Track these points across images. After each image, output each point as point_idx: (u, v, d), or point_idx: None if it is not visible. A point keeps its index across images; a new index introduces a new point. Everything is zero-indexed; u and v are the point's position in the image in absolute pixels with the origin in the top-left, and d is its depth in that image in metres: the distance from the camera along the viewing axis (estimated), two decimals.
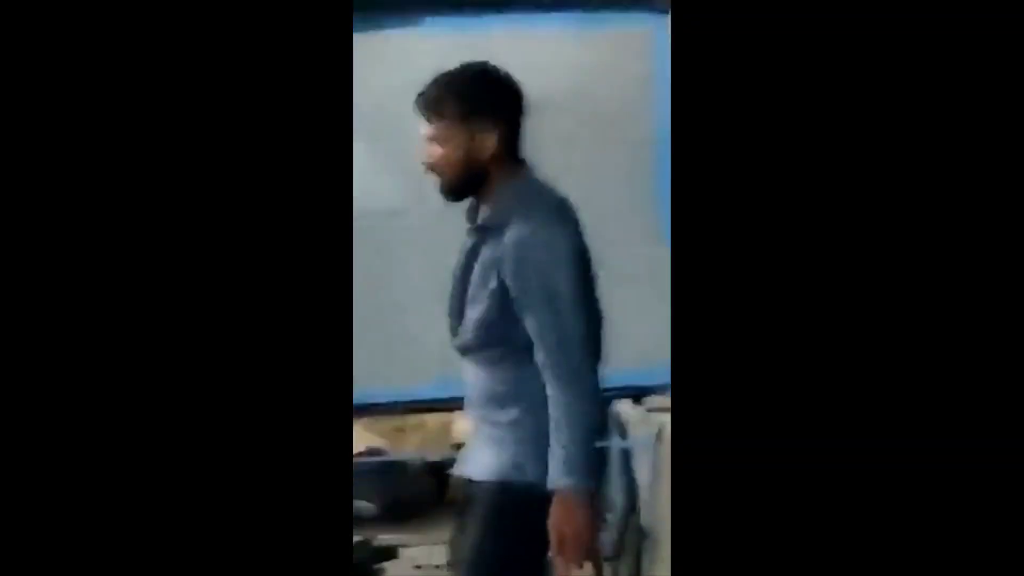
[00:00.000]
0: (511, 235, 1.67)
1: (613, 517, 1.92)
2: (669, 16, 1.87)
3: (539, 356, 1.67)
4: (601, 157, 2.76)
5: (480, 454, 1.78)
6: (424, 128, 1.72)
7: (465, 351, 1.79)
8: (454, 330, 1.80)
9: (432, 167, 1.73)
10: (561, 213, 1.75)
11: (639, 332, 2.39)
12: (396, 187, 2.66)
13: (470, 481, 1.80)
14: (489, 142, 1.69)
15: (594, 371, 1.71)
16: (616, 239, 2.37)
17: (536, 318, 1.66)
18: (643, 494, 2.07)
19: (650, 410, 2.44)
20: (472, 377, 1.80)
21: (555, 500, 1.63)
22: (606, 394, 1.85)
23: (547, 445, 1.66)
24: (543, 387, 1.67)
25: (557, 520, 1.64)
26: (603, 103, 2.76)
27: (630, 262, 2.58)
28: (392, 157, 2.59)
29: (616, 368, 2.04)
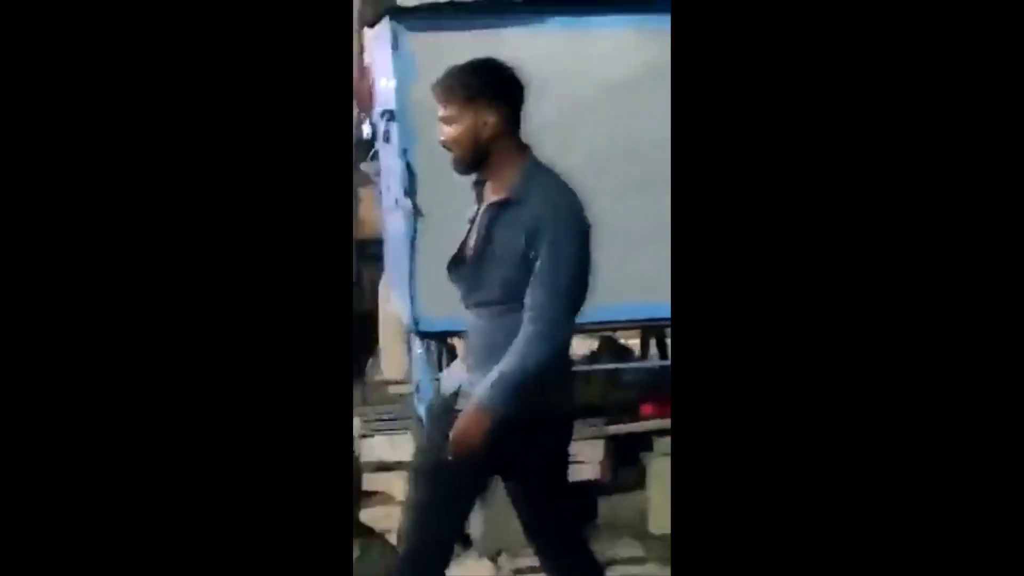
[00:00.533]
0: (537, 210, 1.92)
1: None
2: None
3: (529, 301, 1.90)
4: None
5: (457, 378, 2.10)
6: (439, 111, 1.97)
7: (481, 305, 2.02)
8: (465, 288, 2.03)
9: (445, 144, 1.96)
10: (569, 192, 1.99)
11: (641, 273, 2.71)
12: None
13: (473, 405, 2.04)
14: (491, 123, 1.92)
15: (571, 323, 1.97)
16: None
17: (548, 274, 1.89)
18: None
19: None
20: (475, 329, 2.05)
21: (466, 406, 1.92)
22: (611, 325, 2.18)
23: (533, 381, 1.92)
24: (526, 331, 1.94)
25: (458, 420, 1.90)
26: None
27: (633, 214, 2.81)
28: None
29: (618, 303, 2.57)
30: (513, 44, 2.70)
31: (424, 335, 3.07)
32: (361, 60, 3.92)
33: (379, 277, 4.11)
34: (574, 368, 2.66)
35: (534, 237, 1.92)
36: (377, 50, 3.43)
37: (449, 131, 1.95)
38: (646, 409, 3.19)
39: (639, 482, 3.15)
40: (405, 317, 3.21)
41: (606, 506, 3.17)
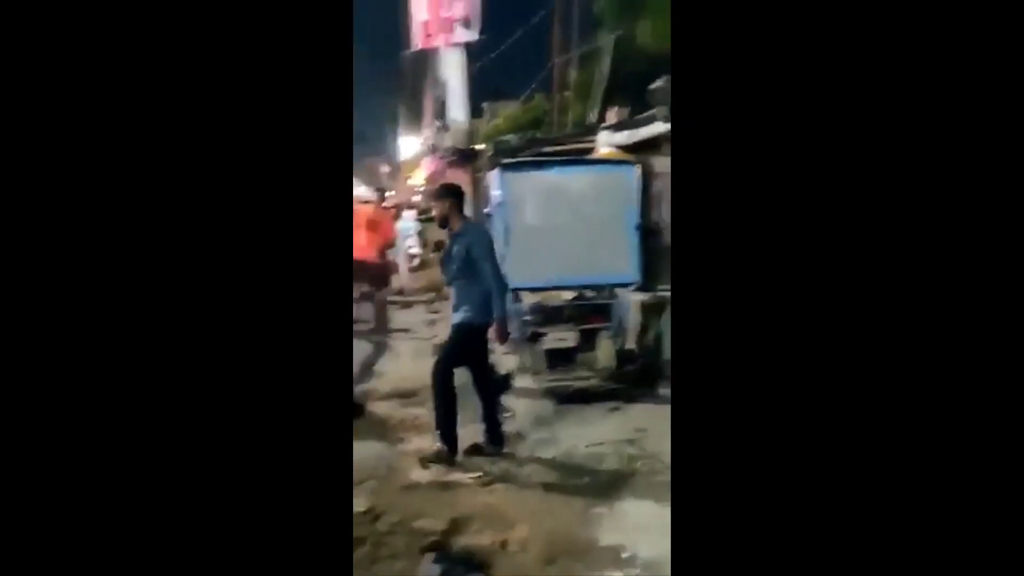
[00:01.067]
0: (470, 237, 4.51)
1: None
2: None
3: (481, 276, 4.42)
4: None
5: (455, 315, 4.65)
6: (432, 204, 5.32)
7: (450, 282, 4.70)
8: (447, 274, 4.68)
9: (435, 217, 4.82)
10: (482, 229, 4.99)
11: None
12: None
13: (453, 324, 4.69)
14: (448, 206, 4.63)
15: (504, 284, 4.58)
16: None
17: (483, 264, 4.42)
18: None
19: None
20: (455, 291, 4.67)
21: (495, 321, 4.52)
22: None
23: (483, 311, 4.46)
24: (480, 291, 4.44)
25: (495, 328, 4.55)
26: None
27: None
28: None
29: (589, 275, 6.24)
30: (549, 179, 6.41)
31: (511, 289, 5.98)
32: (482, 181, 7.66)
33: None
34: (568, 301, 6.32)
35: (470, 250, 4.45)
36: (493, 179, 6.92)
37: (435, 210, 4.79)
38: (594, 320, 6.53)
39: (592, 348, 6.38)
40: None
41: (579, 359, 6.37)
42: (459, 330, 4.61)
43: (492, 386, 4.83)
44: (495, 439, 4.68)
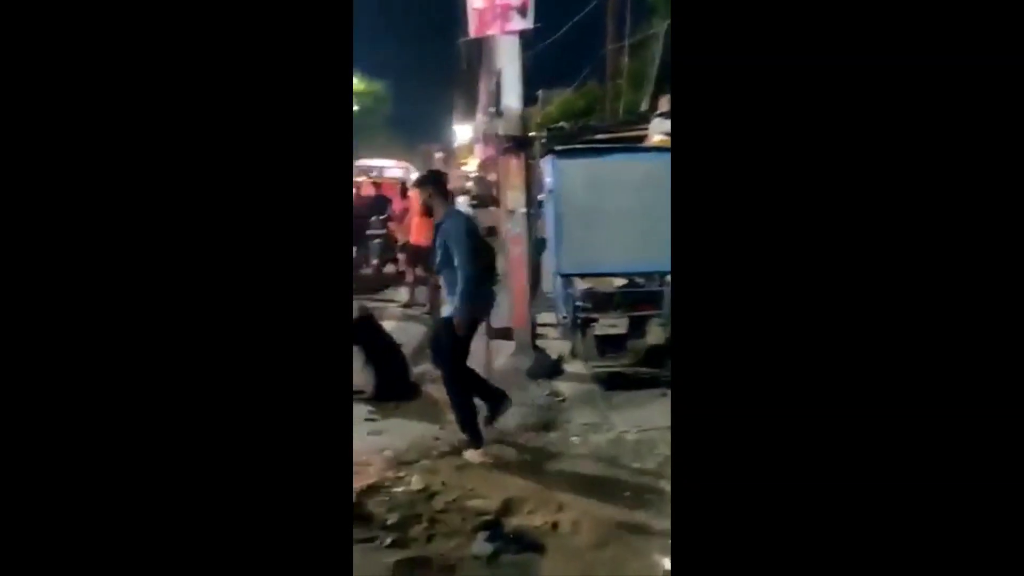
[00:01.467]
0: (447, 225, 4.32)
1: None
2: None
3: (457, 266, 4.21)
4: None
5: (445, 309, 4.53)
6: (416, 193, 5.56)
7: (438, 272, 4.49)
8: (431, 264, 4.75)
9: (420, 205, 4.85)
10: (462, 216, 4.44)
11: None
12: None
13: (443, 319, 4.57)
14: (428, 195, 4.52)
15: (468, 274, 4.22)
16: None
17: (455, 253, 4.22)
18: None
19: None
20: (442, 282, 4.49)
21: (454, 315, 4.29)
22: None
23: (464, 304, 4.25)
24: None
25: (455, 321, 4.30)
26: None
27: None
28: None
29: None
30: (601, 166, 6.32)
31: (562, 275, 6.68)
32: (535, 168, 7.71)
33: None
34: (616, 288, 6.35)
35: (447, 239, 4.31)
36: (546, 165, 7.03)
37: (420, 198, 4.71)
38: (644, 307, 6.38)
39: (642, 334, 6.28)
40: (553, 266, 6.82)
41: (629, 345, 6.26)
42: (448, 325, 4.41)
43: (487, 395, 4.73)
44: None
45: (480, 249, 4.42)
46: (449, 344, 4.41)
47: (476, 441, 4.46)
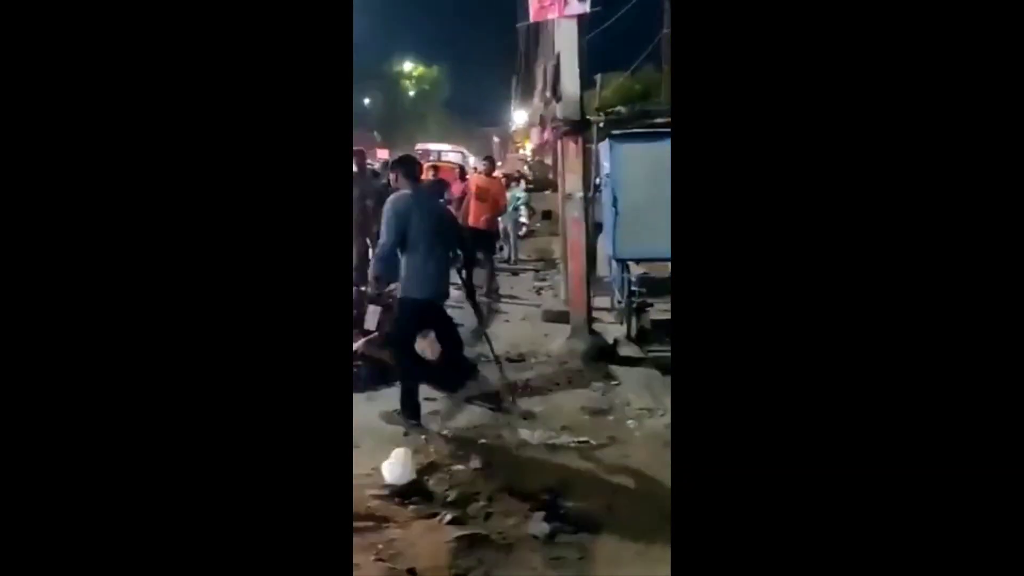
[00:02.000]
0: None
1: None
2: None
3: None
4: None
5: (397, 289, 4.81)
6: (391, 175, 5.33)
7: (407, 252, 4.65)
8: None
9: (392, 183, 5.18)
10: (402, 196, 4.58)
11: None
12: None
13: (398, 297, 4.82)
14: (395, 178, 4.86)
15: (380, 247, 4.67)
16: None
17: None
18: None
19: None
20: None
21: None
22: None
23: (408, 284, 4.57)
24: (408, 264, 4.52)
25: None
26: None
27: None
28: None
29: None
30: (658, 150, 6.00)
31: (618, 259, 6.95)
32: (592, 152, 7.77)
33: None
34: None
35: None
36: (603, 149, 7.30)
37: (393, 179, 4.99)
38: None
39: None
40: (609, 250, 7.06)
41: None
42: (401, 302, 4.76)
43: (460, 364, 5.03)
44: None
45: (439, 231, 4.58)
46: (394, 319, 4.79)
47: (413, 417, 4.61)
